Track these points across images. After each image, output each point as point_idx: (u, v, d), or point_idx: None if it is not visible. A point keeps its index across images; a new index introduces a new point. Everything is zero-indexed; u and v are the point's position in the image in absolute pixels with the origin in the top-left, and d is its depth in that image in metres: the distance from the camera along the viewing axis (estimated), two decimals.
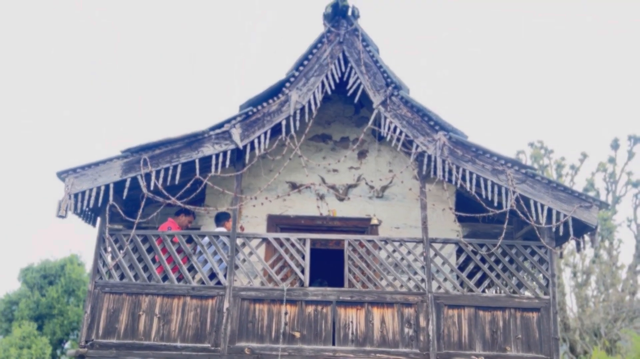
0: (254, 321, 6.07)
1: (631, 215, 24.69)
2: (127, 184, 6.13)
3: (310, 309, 6.13)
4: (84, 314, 6.06)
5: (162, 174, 6.18)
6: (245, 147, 6.33)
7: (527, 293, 6.19)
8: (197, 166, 6.25)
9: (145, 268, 6.28)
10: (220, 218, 6.83)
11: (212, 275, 6.37)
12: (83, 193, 6.10)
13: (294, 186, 7.47)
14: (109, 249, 6.27)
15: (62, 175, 6.10)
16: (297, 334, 6.03)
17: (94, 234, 6.43)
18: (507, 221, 6.17)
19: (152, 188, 6.12)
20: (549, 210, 6.07)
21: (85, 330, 5.99)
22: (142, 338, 5.99)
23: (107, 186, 6.14)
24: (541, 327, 5.93)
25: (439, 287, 6.23)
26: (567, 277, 23.68)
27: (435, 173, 6.27)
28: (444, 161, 6.20)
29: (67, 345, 30.39)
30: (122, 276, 6.30)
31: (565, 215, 6.01)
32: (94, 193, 6.09)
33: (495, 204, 6.18)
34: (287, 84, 6.43)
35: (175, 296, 6.14)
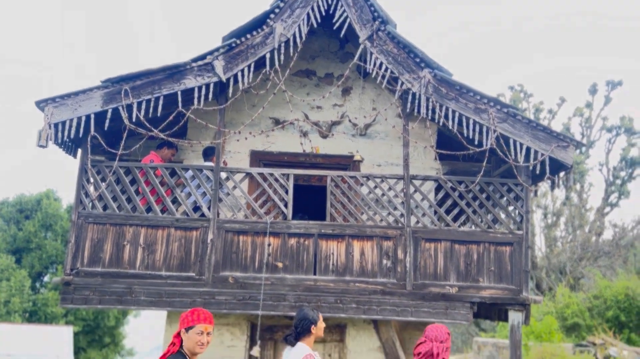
0: (237, 252, 6.23)
1: (603, 159, 25.40)
2: (109, 115, 6.05)
3: (292, 241, 6.30)
4: (68, 243, 6.13)
5: (143, 106, 6.10)
6: (228, 80, 6.24)
7: (502, 229, 6.44)
8: (179, 98, 6.17)
9: (129, 200, 6.31)
10: (209, 153, 6.82)
11: (196, 208, 6.45)
12: (63, 123, 6.01)
13: (277, 122, 7.44)
14: (92, 180, 6.25)
15: (41, 104, 5.97)
16: (280, 265, 6.22)
17: (70, 170, 6.43)
18: (486, 159, 6.32)
19: (133, 119, 6.05)
20: (528, 149, 6.22)
21: (70, 259, 6.07)
22: (127, 266, 6.11)
23: (87, 117, 6.04)
24: (513, 260, 6.22)
25: (418, 222, 6.44)
26: (537, 219, 24.56)
27: (418, 111, 6.32)
28: (428, 99, 6.24)
29: (46, 278, 30.62)
30: (105, 208, 6.34)
31: (542, 154, 6.17)
32: (74, 124, 6.00)
33: (476, 143, 6.30)
34: (272, 15, 6.28)
35: (160, 228, 6.22)
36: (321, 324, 4.21)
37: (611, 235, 25.72)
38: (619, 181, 24.83)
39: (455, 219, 6.49)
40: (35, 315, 28.70)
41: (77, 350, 31.42)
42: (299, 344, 4.23)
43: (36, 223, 29.94)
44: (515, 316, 6.11)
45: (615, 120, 24.62)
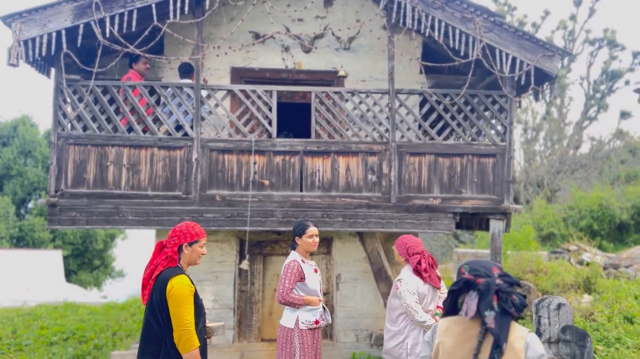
0: (223, 171, 6.23)
1: (584, 73, 25.37)
2: (80, 31, 5.76)
3: (278, 159, 6.30)
4: (50, 165, 6.05)
5: (117, 20, 5.81)
6: None
7: (485, 141, 6.50)
8: (154, 12, 5.86)
9: (109, 120, 6.17)
10: (185, 69, 6.60)
11: (178, 127, 6.35)
12: (33, 40, 5.72)
13: (257, 36, 7.18)
14: (68, 100, 6.07)
15: (8, 20, 5.63)
16: (266, 182, 6.25)
17: (45, 93, 6.17)
18: (472, 71, 6.24)
19: (107, 35, 5.78)
20: (513, 59, 6.15)
21: (53, 181, 6.02)
22: (112, 187, 6.09)
23: (58, 33, 5.75)
24: (495, 171, 6.34)
25: (402, 136, 6.45)
26: (517, 134, 24.83)
27: (404, 22, 6.13)
28: (413, 8, 6.03)
29: (30, 204, 30.59)
30: (85, 129, 6.20)
31: (528, 64, 6.11)
32: (45, 40, 5.71)
33: (462, 54, 6.19)
34: None
35: (143, 147, 6.15)
36: (307, 237, 4.32)
37: (588, 148, 26.28)
38: (598, 95, 24.99)
39: (439, 133, 6.51)
40: (22, 241, 28.98)
41: (68, 273, 32.13)
42: (290, 253, 4.41)
43: (14, 149, 29.44)
44: (496, 225, 6.33)
45: (599, 33, 24.33)
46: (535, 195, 23.77)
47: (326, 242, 7.25)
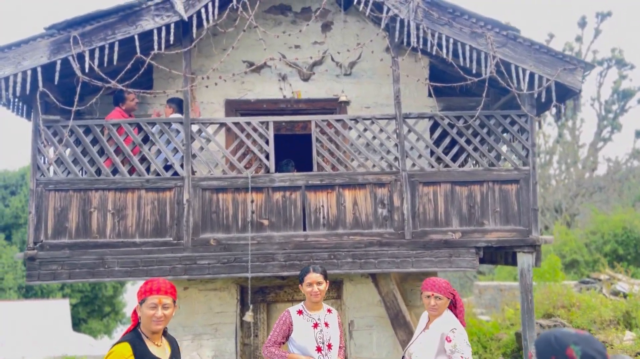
0: (217, 212, 5.65)
1: (595, 94, 24.83)
2: (58, 67, 5.31)
3: (277, 196, 5.72)
4: (28, 214, 5.51)
5: (97, 54, 5.36)
6: (190, 18, 5.48)
7: (506, 166, 5.88)
8: (137, 43, 5.41)
9: (92, 162, 5.66)
10: (176, 103, 6.11)
11: (167, 167, 5.82)
12: (6, 79, 5.27)
13: (252, 65, 6.72)
14: (47, 142, 5.57)
15: None
16: (266, 222, 5.66)
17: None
18: (486, 90, 5.68)
19: (87, 71, 5.32)
20: (531, 75, 5.59)
21: (32, 231, 5.47)
22: (97, 235, 5.53)
23: (34, 71, 5.30)
24: (520, 199, 5.69)
25: (414, 165, 5.86)
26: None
27: (408, 42, 5.63)
28: (418, 25, 5.53)
29: None
30: (67, 173, 5.69)
31: (548, 80, 5.55)
32: (19, 79, 5.26)
33: (474, 72, 5.65)
34: None
35: (129, 190, 5.60)
36: (306, 286, 3.71)
37: (605, 169, 25.50)
38: (611, 115, 24.40)
39: (454, 159, 5.91)
40: (31, 290, 28.41)
41: (78, 321, 31.48)
42: None
43: (22, 198, 29.24)
44: (525, 259, 5.64)
45: (606, 53, 23.93)
46: (554, 220, 22.90)
47: (336, 285, 6.58)
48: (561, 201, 24.08)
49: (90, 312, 32.24)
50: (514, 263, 6.02)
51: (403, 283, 6.52)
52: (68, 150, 5.72)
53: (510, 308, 10.96)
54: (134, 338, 2.62)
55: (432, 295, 3.52)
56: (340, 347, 3.77)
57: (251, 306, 5.61)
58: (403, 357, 3.65)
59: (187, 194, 5.59)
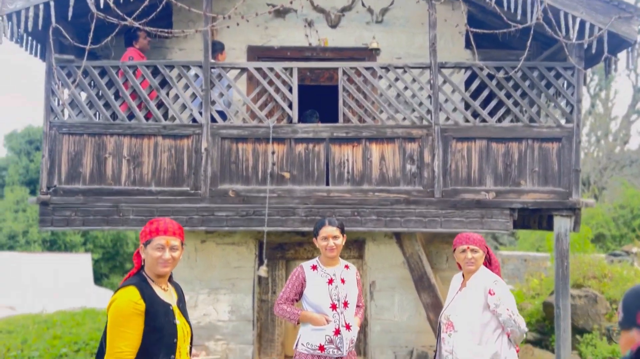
0: (237, 162, 5.37)
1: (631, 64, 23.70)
2: (72, 2, 4.98)
3: (300, 147, 5.40)
4: (42, 158, 5.30)
5: None
6: None
7: (548, 122, 5.45)
8: None
9: (107, 105, 5.39)
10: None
11: (193, 120, 5.53)
12: (18, 13, 4.98)
13: (277, 12, 6.30)
14: (61, 84, 5.31)
15: None
16: (287, 175, 5.37)
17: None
18: (530, 39, 5.21)
19: (101, 6, 4.99)
20: (582, 23, 5.09)
21: (45, 176, 5.27)
22: (111, 182, 5.30)
23: (46, 5, 5.00)
24: (561, 158, 5.28)
25: (447, 119, 5.46)
26: None
27: None
28: None
29: None
30: (81, 116, 5.44)
31: (600, 29, 5.04)
32: (31, 14, 4.97)
33: (518, 18, 5.17)
34: None
35: (145, 136, 5.34)
36: (320, 239, 3.40)
37: (638, 143, 24.60)
38: None
39: (492, 114, 5.48)
40: (55, 244, 28.94)
41: (100, 277, 32.13)
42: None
43: None
44: (562, 223, 5.27)
45: None
46: (582, 193, 22.25)
47: (357, 245, 6.31)
48: (590, 173, 23.33)
49: (112, 268, 32.90)
50: (548, 227, 5.66)
51: (429, 244, 6.21)
52: (83, 93, 5.47)
53: (535, 278, 10.61)
54: (140, 281, 2.38)
55: (468, 248, 3.21)
56: (358, 306, 3.49)
57: (266, 261, 5.38)
58: (439, 323, 3.35)
59: (205, 142, 5.31)
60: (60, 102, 5.34)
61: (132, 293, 2.32)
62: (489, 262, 3.34)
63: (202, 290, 6.08)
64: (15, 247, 25.94)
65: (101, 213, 5.26)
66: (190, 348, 2.56)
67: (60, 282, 21.01)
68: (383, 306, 6.14)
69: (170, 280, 2.63)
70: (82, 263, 24.96)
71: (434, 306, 5.46)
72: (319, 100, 7.14)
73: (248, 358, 6.01)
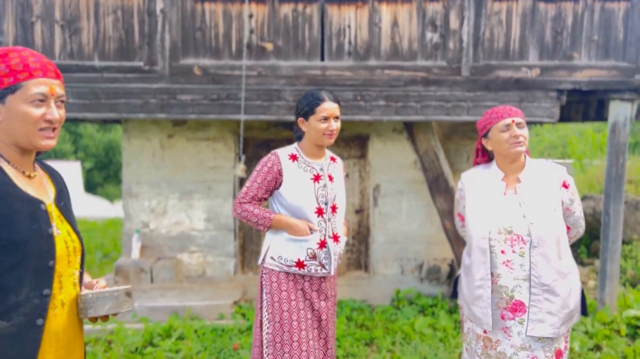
0: (203, 29, 4.11)
1: None
2: None
3: (286, 9, 4.12)
4: None
5: None
6: None
7: None
8: None
9: None
10: None
11: None
12: None
13: None
14: None
15: None
16: (269, 46, 4.13)
17: None
18: None
19: None
20: None
21: None
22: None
23: None
24: (628, 24, 4.03)
25: None
26: None
27: None
28: None
29: None
30: None
31: None
32: None
33: None
34: None
35: None
36: (317, 120, 2.30)
37: None
38: None
39: None
40: (44, 153, 28.13)
41: (94, 186, 31.62)
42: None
43: None
44: (621, 109, 4.13)
45: None
46: None
47: (359, 141, 5.21)
48: None
49: (106, 177, 32.36)
50: (597, 117, 4.54)
51: (447, 141, 5.12)
52: None
53: None
54: None
55: (513, 121, 2.10)
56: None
57: (244, 158, 4.30)
58: (488, 240, 2.24)
59: (161, 1, 4.02)
60: None
61: None
62: None
63: (171, 194, 5.06)
64: None
65: None
66: (81, 274, 1.51)
67: None
68: (388, 213, 5.15)
69: (41, 162, 1.55)
70: (71, 171, 24.23)
71: (452, 214, 4.47)
72: None
73: (229, 272, 5.11)
